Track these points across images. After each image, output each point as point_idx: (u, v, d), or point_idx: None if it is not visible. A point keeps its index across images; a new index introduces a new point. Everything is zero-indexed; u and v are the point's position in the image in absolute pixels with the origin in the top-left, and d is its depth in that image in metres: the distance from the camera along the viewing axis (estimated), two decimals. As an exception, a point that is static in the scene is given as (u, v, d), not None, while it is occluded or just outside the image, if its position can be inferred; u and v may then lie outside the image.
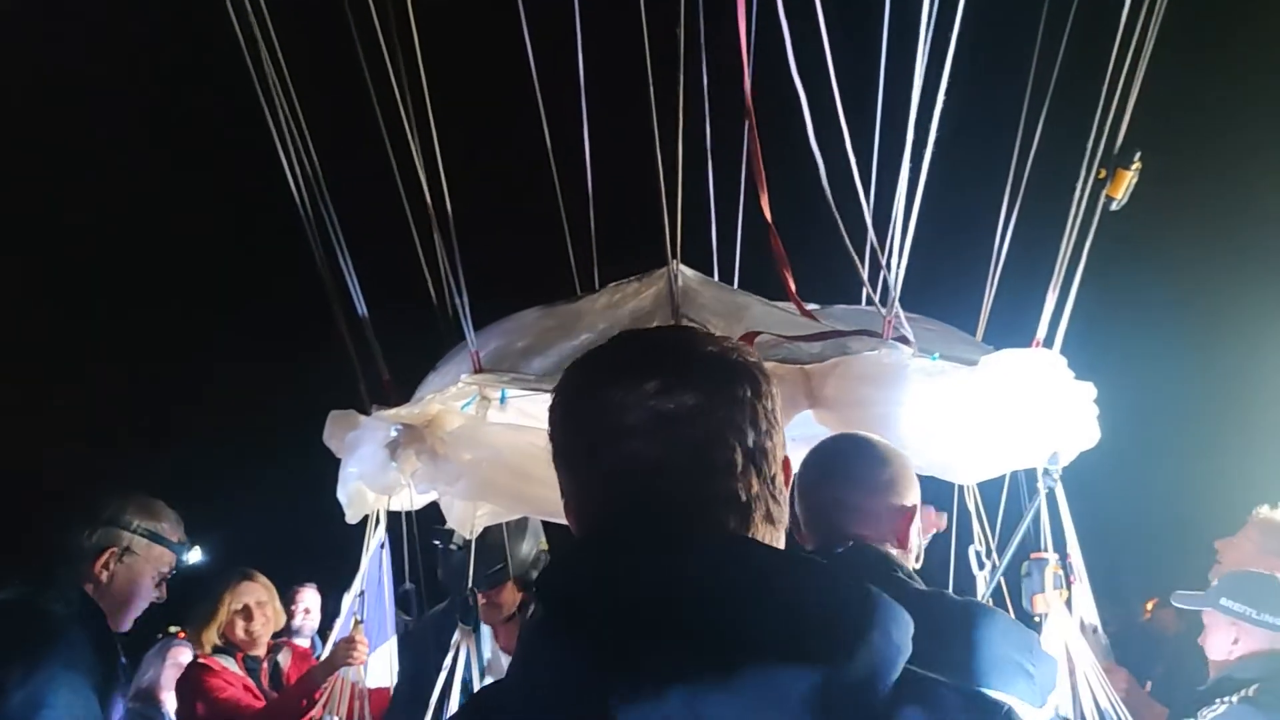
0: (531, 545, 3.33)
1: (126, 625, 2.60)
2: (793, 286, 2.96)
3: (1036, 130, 3.17)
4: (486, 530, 3.23)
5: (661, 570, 0.96)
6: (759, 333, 2.81)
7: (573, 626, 0.97)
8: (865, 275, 2.86)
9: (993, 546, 3.24)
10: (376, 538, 3.41)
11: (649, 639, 0.92)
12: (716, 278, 3.52)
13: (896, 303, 2.74)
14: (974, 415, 2.67)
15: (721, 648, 0.90)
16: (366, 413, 2.97)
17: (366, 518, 3.17)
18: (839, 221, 2.83)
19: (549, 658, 0.97)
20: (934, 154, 2.74)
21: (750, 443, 1.05)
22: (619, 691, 0.90)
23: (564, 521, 2.82)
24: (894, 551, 2.06)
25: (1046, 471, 2.93)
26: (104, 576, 2.49)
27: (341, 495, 3.03)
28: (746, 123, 3.14)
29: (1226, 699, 2.80)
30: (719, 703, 0.89)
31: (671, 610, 0.93)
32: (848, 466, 2.08)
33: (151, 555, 2.55)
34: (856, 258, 2.85)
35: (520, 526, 3.31)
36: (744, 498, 1.04)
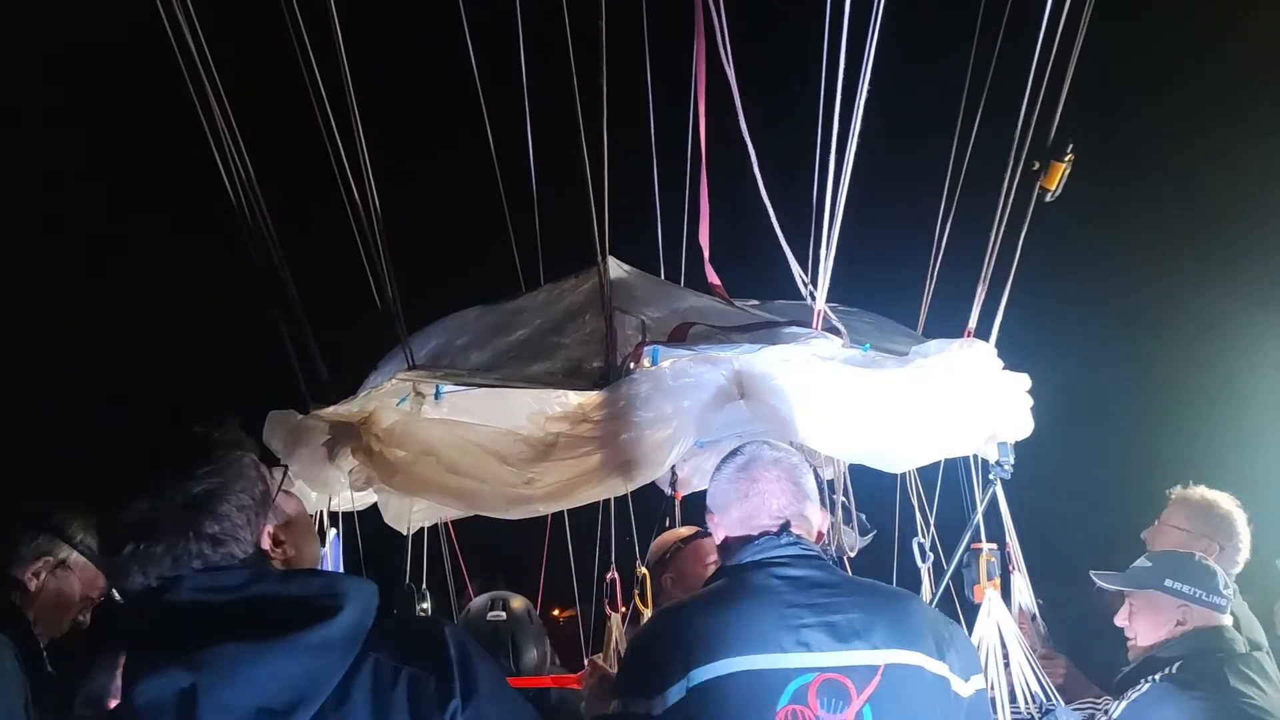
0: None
1: (44, 640, 2.53)
2: (715, 279, 2.98)
3: (974, 123, 3.21)
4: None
5: None
6: (692, 324, 2.83)
7: None
8: (798, 269, 2.87)
9: (936, 540, 3.27)
10: (328, 538, 3.41)
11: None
12: (663, 275, 3.56)
13: (825, 294, 2.76)
14: (904, 405, 2.70)
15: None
16: (306, 412, 2.97)
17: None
18: (772, 215, 2.86)
19: None
20: (870, 148, 2.77)
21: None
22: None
23: (493, 515, 2.84)
24: None
25: (999, 464, 2.96)
26: (33, 585, 2.44)
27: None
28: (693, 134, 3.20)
29: (1150, 678, 2.82)
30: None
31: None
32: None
33: (86, 575, 2.51)
34: (789, 251, 2.87)
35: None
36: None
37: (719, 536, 2.17)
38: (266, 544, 1.62)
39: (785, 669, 1.85)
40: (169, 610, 1.49)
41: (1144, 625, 3.00)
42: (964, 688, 1.99)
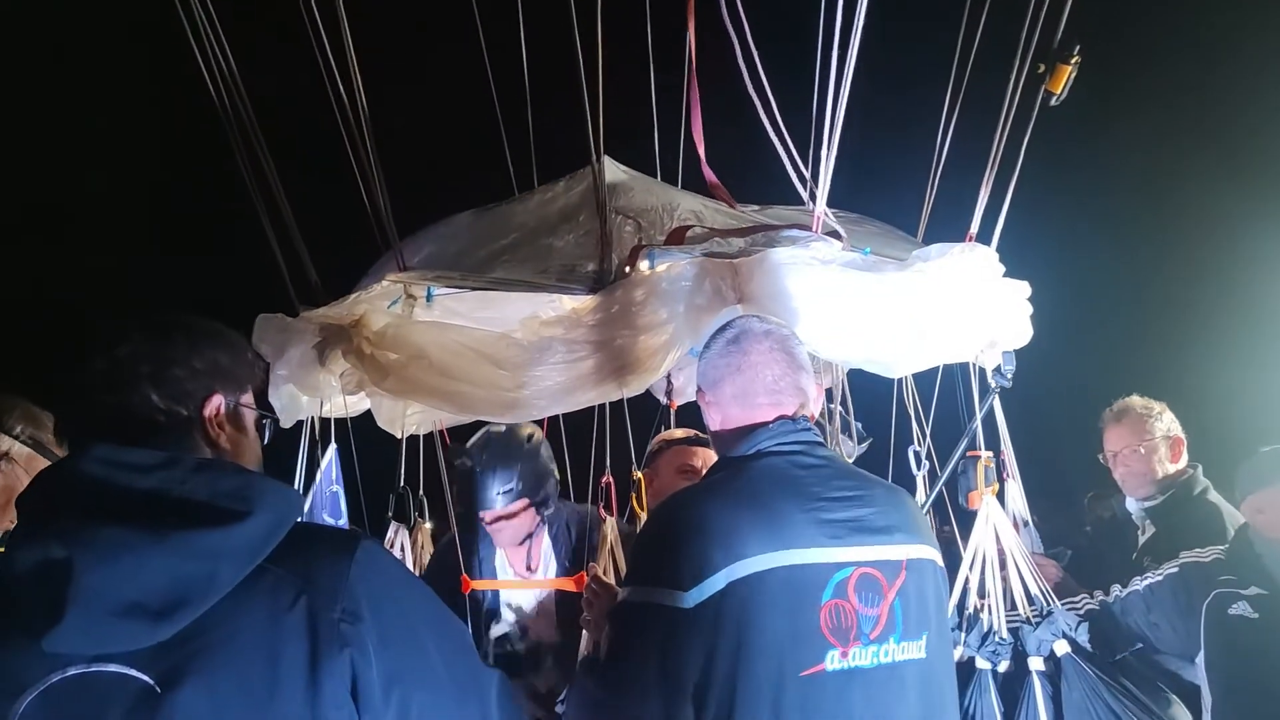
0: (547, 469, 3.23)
1: None
2: (716, 180, 2.91)
3: (979, 25, 3.11)
4: (496, 449, 3.14)
5: None
6: (689, 226, 2.78)
7: None
8: (794, 166, 2.79)
9: (931, 448, 3.28)
10: (329, 453, 3.40)
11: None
12: (659, 176, 3.48)
13: (825, 196, 2.69)
14: (904, 309, 2.66)
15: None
16: (295, 316, 2.93)
17: (300, 424, 3.15)
18: (776, 116, 2.77)
19: None
20: (872, 49, 2.69)
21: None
22: None
23: (486, 419, 2.80)
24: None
25: (1000, 373, 2.94)
26: None
27: (273, 400, 2.99)
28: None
29: None
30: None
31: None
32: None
33: (32, 467, 2.36)
34: (792, 151, 2.79)
35: (534, 450, 3.22)
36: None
37: (714, 419, 2.07)
38: (210, 411, 1.52)
39: (826, 564, 1.81)
40: (67, 477, 1.40)
41: None
42: (942, 567, 2.02)
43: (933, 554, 1.96)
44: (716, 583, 1.74)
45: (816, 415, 2.09)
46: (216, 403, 1.52)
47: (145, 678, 1.30)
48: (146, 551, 1.30)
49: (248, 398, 1.60)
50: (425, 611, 1.50)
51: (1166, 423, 3.53)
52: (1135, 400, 3.61)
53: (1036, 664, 2.68)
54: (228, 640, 1.32)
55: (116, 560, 1.29)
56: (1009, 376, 2.95)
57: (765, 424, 1.99)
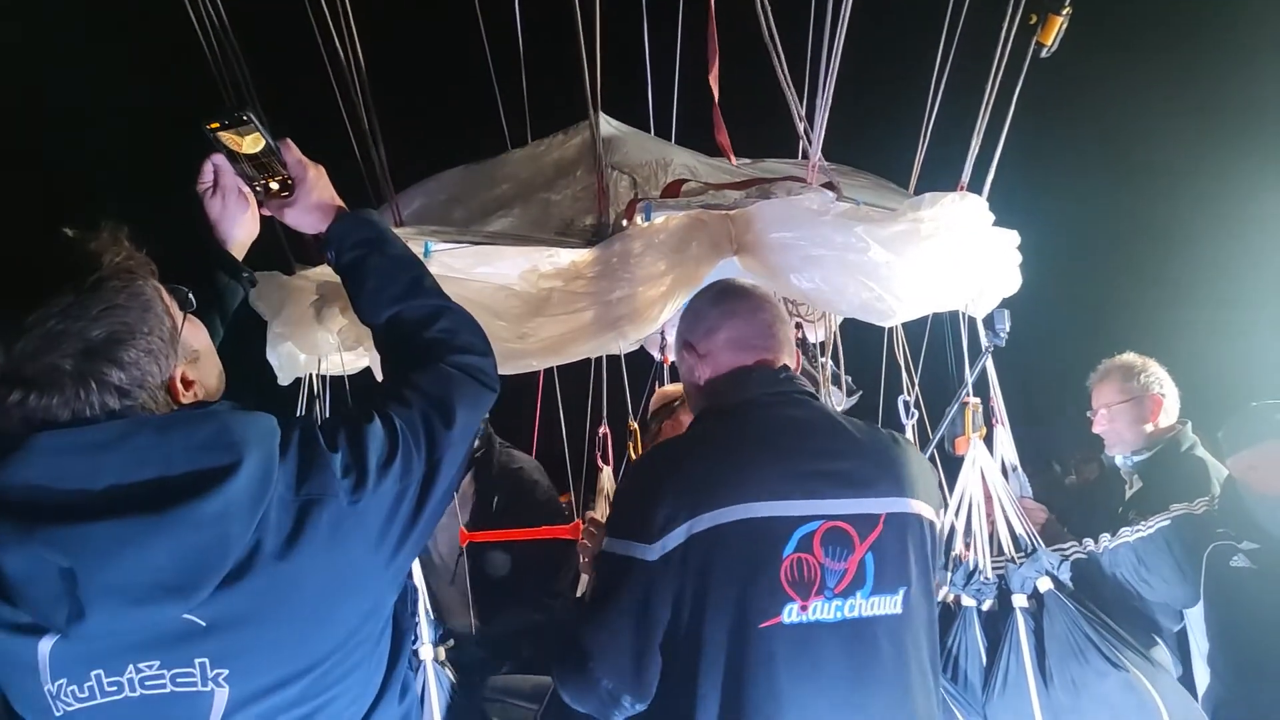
0: None
1: None
2: (724, 132, 2.93)
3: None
4: None
5: None
6: (684, 181, 2.80)
7: None
8: (795, 105, 2.81)
9: (920, 398, 3.33)
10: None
11: None
12: (653, 132, 3.49)
13: (819, 147, 2.72)
14: (896, 258, 2.69)
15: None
16: (291, 273, 2.94)
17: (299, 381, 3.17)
18: (779, 65, 2.78)
19: None
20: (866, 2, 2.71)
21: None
22: None
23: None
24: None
25: (994, 332, 2.99)
26: None
27: (272, 358, 3.01)
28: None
29: None
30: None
31: None
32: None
33: None
34: (794, 97, 2.80)
35: None
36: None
37: (703, 372, 2.07)
38: (178, 388, 1.38)
39: (791, 516, 1.79)
40: (22, 472, 1.23)
41: None
42: (936, 523, 2.00)
43: (922, 508, 1.93)
44: (678, 536, 1.76)
45: (796, 367, 2.09)
46: (178, 376, 1.40)
47: (192, 616, 1.27)
48: (147, 538, 1.21)
49: (186, 330, 1.45)
50: (387, 423, 1.48)
51: (1147, 381, 3.59)
52: (1122, 358, 3.67)
53: (1020, 601, 2.76)
54: (261, 584, 1.30)
55: (120, 557, 1.21)
56: (1003, 335, 2.98)
57: (749, 370, 2.00)
